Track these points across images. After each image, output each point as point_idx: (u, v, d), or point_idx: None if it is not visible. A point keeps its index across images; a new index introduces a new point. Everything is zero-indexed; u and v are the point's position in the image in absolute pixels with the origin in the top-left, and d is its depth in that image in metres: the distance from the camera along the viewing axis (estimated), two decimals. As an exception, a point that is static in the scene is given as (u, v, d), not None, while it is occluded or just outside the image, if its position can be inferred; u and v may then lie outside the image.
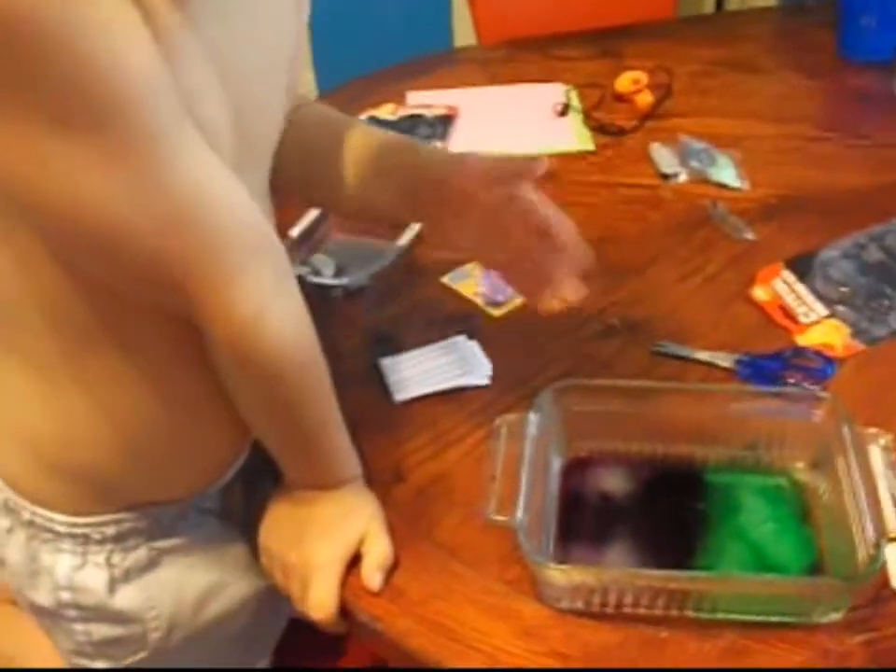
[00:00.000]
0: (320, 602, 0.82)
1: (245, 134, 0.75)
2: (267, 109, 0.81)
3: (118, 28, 0.61)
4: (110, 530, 0.88)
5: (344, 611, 0.83)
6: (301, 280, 1.13)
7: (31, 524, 0.88)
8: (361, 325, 1.11)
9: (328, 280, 1.16)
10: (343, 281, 1.15)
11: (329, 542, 0.84)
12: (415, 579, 0.83)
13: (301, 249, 1.21)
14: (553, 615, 0.80)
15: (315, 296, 1.13)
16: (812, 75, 1.60)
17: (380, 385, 1.02)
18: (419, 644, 0.79)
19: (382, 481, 0.91)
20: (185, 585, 0.93)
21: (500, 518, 0.79)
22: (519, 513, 0.78)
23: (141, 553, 0.90)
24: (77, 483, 0.86)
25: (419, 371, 1.01)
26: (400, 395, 0.99)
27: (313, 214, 1.26)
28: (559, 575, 0.78)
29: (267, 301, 0.74)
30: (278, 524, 0.88)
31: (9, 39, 0.57)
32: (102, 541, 0.88)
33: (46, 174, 0.64)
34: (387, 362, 1.03)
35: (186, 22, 0.66)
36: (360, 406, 0.99)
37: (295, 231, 1.23)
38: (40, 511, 0.87)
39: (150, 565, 0.91)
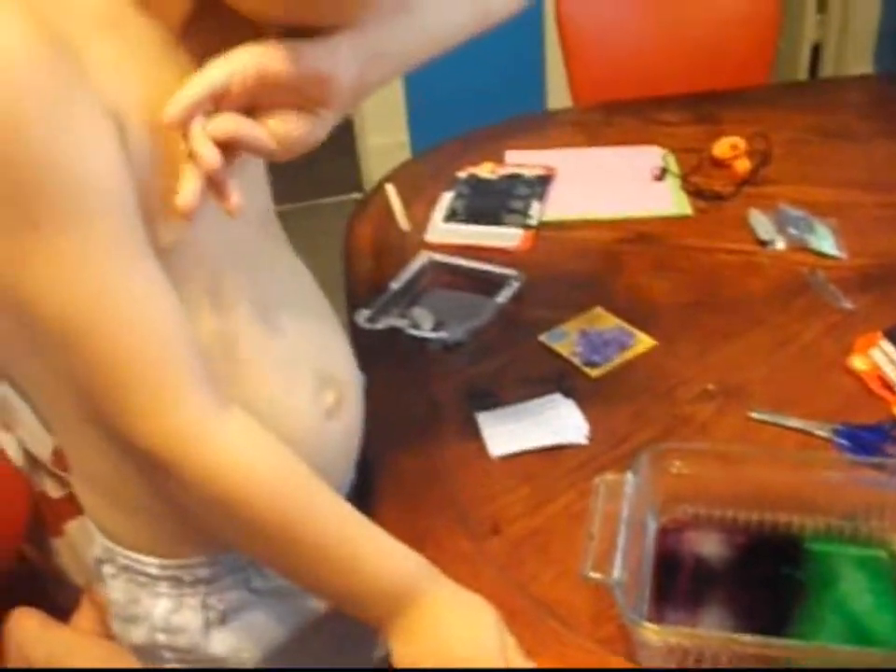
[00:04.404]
0: None
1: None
2: None
3: (86, 145, 0.66)
4: (203, 572, 0.89)
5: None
6: (400, 332, 1.18)
7: (127, 568, 0.90)
8: (459, 378, 1.13)
9: (426, 333, 1.18)
10: (442, 335, 1.17)
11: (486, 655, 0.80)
12: (508, 631, 0.84)
13: (400, 302, 1.24)
14: (646, 676, 0.80)
15: (414, 348, 1.17)
16: (911, 143, 1.60)
17: (477, 438, 1.03)
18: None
19: (479, 533, 0.93)
20: (281, 625, 0.94)
21: (597, 576, 0.80)
22: (616, 572, 0.79)
23: (238, 595, 0.91)
24: (164, 528, 0.87)
25: (517, 427, 1.03)
26: (498, 450, 1.01)
27: (413, 267, 1.29)
28: (655, 635, 0.78)
29: (204, 425, 0.73)
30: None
31: None
32: (194, 583, 0.89)
33: (9, 274, 0.68)
34: (485, 416, 1.05)
35: None
36: (457, 458, 1.02)
37: (395, 284, 1.26)
38: (133, 555, 0.89)
39: (247, 605, 0.92)
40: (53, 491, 1.48)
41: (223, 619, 0.91)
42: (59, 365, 0.75)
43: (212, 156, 0.70)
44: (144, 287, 0.71)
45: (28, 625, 1.34)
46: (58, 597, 1.46)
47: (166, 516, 0.85)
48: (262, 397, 0.84)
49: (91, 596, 1.38)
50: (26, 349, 0.77)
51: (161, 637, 0.91)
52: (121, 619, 0.94)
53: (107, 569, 0.93)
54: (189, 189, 0.70)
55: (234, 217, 0.74)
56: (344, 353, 0.95)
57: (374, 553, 0.81)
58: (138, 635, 0.93)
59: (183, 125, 0.69)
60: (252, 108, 0.73)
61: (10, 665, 1.33)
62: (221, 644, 0.92)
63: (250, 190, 0.85)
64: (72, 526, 1.48)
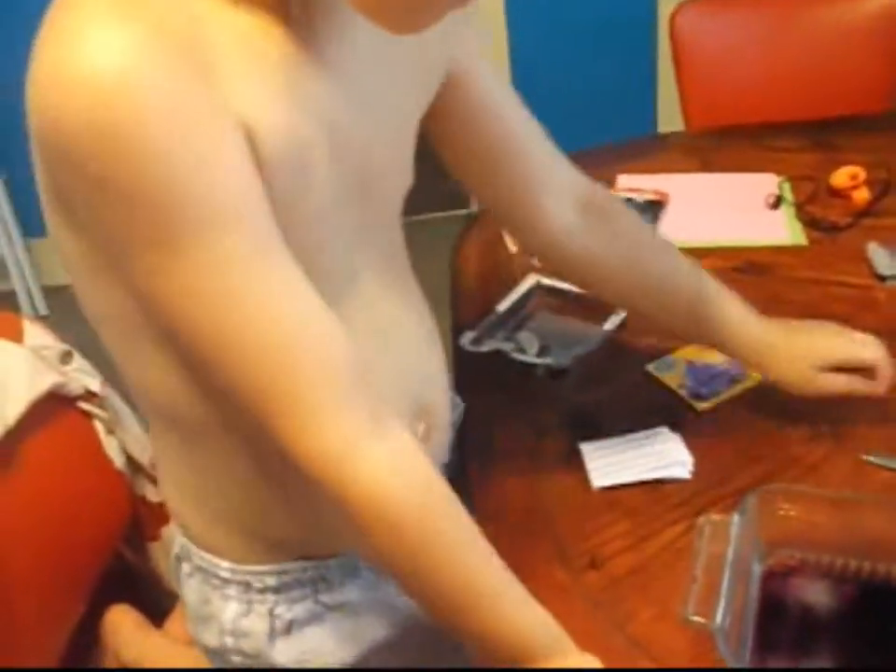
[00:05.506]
0: None
1: (367, 201, 0.80)
2: (388, 176, 0.84)
3: (211, 153, 0.65)
4: (271, 580, 0.90)
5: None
6: (505, 356, 1.17)
7: (201, 568, 0.92)
8: (562, 406, 1.12)
9: (531, 358, 1.17)
10: (547, 360, 1.17)
11: None
12: (605, 670, 0.83)
13: (506, 324, 1.24)
14: (746, 725, 0.78)
15: (518, 373, 1.17)
16: None
17: (578, 467, 1.02)
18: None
19: (576, 565, 0.92)
20: (347, 643, 0.94)
21: (699, 619, 0.78)
22: (718, 617, 0.77)
23: (306, 607, 0.91)
24: (238, 532, 0.89)
25: (620, 459, 1.01)
26: (600, 481, 1.00)
27: (521, 289, 1.29)
28: (757, 686, 0.76)
29: (355, 445, 0.71)
30: None
31: (118, 158, 0.62)
32: (263, 590, 0.90)
33: (152, 286, 0.68)
34: (588, 447, 1.03)
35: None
36: (558, 488, 1.01)
37: (502, 306, 1.26)
38: (207, 556, 0.91)
39: (313, 619, 0.92)
40: (153, 496, 1.51)
41: (288, 629, 0.92)
42: (198, 377, 0.75)
43: None
44: (285, 291, 0.69)
45: (123, 625, 1.36)
46: (154, 600, 1.49)
47: (242, 522, 0.87)
48: None
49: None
50: (147, 350, 0.77)
51: (230, 641, 0.92)
52: (195, 619, 0.96)
53: (185, 568, 0.95)
54: None
55: None
56: (443, 382, 0.95)
57: (510, 607, 0.78)
58: (210, 636, 0.94)
59: None
60: None
61: (106, 658, 1.36)
62: (284, 654, 0.92)
63: (382, 211, 0.86)
64: (168, 531, 1.51)
